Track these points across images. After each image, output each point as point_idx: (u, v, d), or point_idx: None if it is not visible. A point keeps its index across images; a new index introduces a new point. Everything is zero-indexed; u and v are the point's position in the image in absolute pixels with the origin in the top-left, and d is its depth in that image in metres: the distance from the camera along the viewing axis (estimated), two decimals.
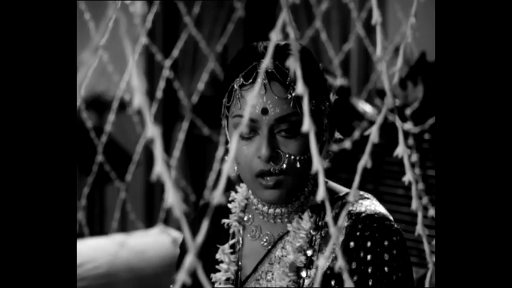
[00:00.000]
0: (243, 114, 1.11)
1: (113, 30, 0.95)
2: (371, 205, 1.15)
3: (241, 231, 1.23)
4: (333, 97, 1.19)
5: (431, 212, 2.38)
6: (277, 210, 1.17)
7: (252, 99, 0.59)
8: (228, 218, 1.24)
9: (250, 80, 1.11)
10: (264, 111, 1.09)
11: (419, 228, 0.65)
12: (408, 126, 2.50)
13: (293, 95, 1.09)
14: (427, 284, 0.68)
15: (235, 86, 1.13)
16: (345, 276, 0.58)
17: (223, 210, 1.25)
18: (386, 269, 1.08)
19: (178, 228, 2.53)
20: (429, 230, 2.43)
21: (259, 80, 1.06)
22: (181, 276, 0.51)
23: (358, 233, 1.11)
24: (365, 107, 2.92)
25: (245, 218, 1.23)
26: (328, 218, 0.60)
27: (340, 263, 0.58)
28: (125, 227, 3.99)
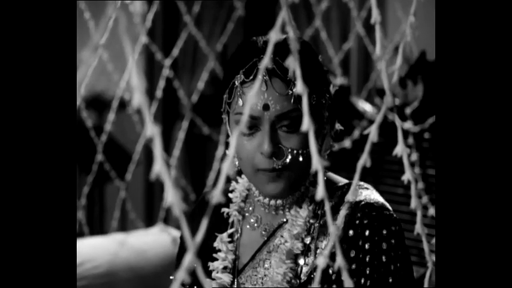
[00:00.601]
0: (244, 112, 1.11)
1: (113, 29, 0.95)
2: (370, 194, 1.15)
3: (240, 221, 1.23)
4: (333, 89, 1.19)
5: (431, 211, 2.38)
6: (279, 201, 1.17)
7: (252, 98, 0.59)
8: (228, 207, 1.24)
9: (251, 77, 1.11)
10: (265, 107, 1.09)
11: (418, 227, 0.65)
12: (408, 125, 2.50)
13: (294, 91, 1.09)
14: (426, 284, 0.68)
15: (236, 82, 1.13)
16: (345, 276, 0.58)
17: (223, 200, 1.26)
18: (384, 258, 1.09)
19: (178, 227, 2.53)
20: (429, 229, 2.43)
21: (259, 77, 1.07)
22: (180, 275, 0.51)
23: (357, 221, 1.11)
24: (365, 106, 2.92)
25: (245, 208, 1.24)
26: (328, 217, 0.60)
27: (340, 262, 0.58)
28: (124, 226, 3.99)
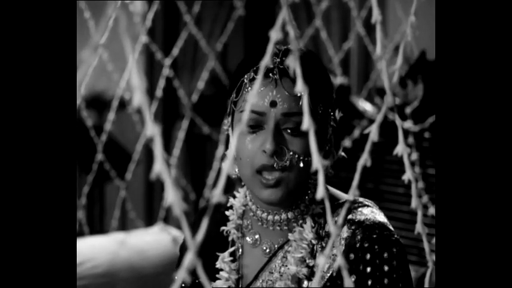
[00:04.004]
0: (249, 98, 1.11)
1: (113, 28, 0.95)
2: (370, 214, 1.14)
3: (240, 238, 1.21)
4: (338, 114, 1.18)
5: (432, 210, 2.38)
6: (276, 217, 1.15)
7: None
8: (226, 225, 1.22)
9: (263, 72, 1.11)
10: (273, 103, 1.09)
11: (418, 227, 0.65)
12: (408, 124, 2.50)
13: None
14: (426, 283, 0.68)
15: (245, 80, 1.13)
16: (344, 275, 0.58)
17: (221, 217, 1.24)
18: (386, 280, 1.07)
19: (178, 226, 2.53)
20: (429, 228, 2.43)
21: (260, 74, 1.08)
22: (181, 275, 0.51)
23: (357, 245, 1.10)
24: (365, 106, 2.92)
25: (244, 225, 1.22)
26: (328, 216, 0.59)
27: (340, 261, 0.58)
28: (125, 226, 3.99)
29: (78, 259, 2.17)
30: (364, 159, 0.61)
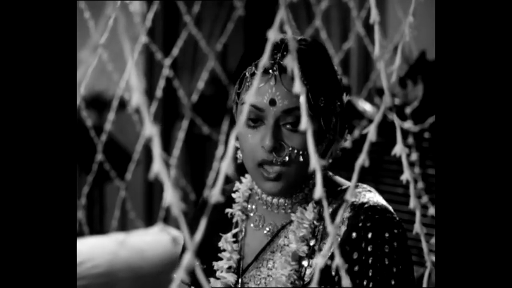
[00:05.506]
0: (247, 102, 1.12)
1: (113, 28, 0.95)
2: (373, 197, 1.16)
3: (244, 221, 1.24)
4: (345, 98, 1.20)
5: (431, 211, 2.38)
6: (281, 200, 1.18)
7: (252, 94, 0.59)
8: (231, 207, 1.25)
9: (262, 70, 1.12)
10: (272, 102, 1.10)
11: (417, 227, 0.65)
12: (408, 125, 2.50)
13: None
14: (425, 283, 0.68)
15: (247, 74, 1.14)
16: (343, 274, 0.58)
17: (227, 200, 1.27)
18: (386, 260, 1.09)
19: (178, 227, 2.52)
20: (429, 229, 2.44)
21: (258, 74, 1.08)
22: (179, 275, 0.51)
23: (360, 224, 1.12)
24: (365, 106, 2.92)
25: (248, 208, 1.25)
26: (326, 216, 0.60)
27: (338, 261, 0.58)
28: (124, 226, 3.99)
29: (78, 259, 2.17)
30: (362, 159, 0.61)
